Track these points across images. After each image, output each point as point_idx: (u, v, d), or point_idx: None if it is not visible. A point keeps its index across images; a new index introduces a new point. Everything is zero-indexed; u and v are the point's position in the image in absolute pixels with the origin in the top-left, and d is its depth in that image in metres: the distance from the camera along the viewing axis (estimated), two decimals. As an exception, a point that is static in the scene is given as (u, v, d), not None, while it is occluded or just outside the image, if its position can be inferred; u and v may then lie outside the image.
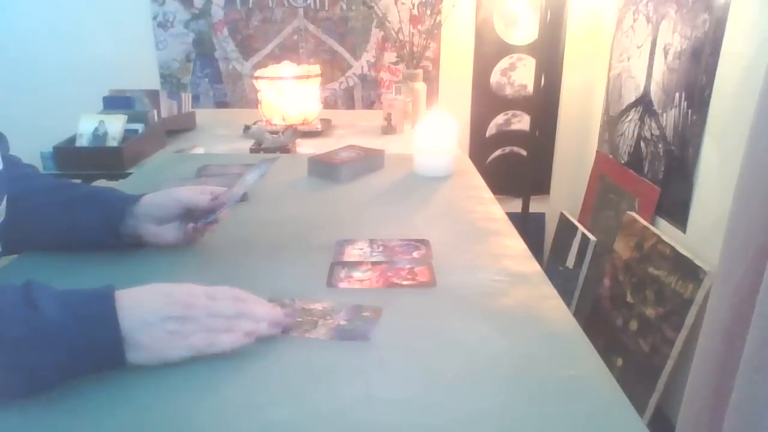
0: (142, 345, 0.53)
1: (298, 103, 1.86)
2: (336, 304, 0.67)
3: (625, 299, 1.76)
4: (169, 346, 0.54)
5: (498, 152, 2.41)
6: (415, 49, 2.15)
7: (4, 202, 0.70)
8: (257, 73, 1.89)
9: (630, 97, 1.97)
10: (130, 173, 1.48)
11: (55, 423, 0.49)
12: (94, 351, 0.51)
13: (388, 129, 1.90)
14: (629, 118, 1.97)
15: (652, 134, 1.82)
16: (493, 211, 1.00)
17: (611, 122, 2.12)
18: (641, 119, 1.88)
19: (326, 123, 1.97)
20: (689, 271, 1.52)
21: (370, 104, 2.33)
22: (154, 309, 0.54)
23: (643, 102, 1.87)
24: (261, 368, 0.56)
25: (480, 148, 2.39)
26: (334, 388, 0.53)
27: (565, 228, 2.32)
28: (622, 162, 2.02)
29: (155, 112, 1.81)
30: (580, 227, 2.19)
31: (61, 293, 0.53)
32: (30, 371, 0.49)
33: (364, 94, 2.32)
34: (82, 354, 0.51)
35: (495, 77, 2.30)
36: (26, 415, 0.49)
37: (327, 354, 0.58)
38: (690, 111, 1.60)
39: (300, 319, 0.64)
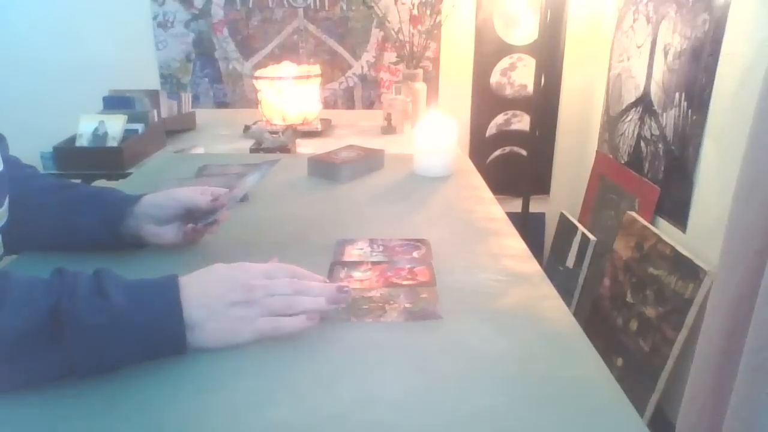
0: (208, 331, 0.56)
1: (298, 103, 1.86)
2: (390, 290, 0.70)
3: (625, 299, 1.76)
4: (235, 331, 0.57)
5: (498, 152, 2.41)
6: (415, 49, 2.15)
7: (6, 203, 0.70)
8: (257, 73, 1.89)
9: (630, 97, 1.97)
10: (130, 173, 1.48)
11: (55, 423, 0.49)
12: (159, 340, 0.54)
13: (388, 129, 1.91)
14: (629, 118, 1.97)
15: (652, 134, 1.82)
16: (493, 211, 1.00)
17: (611, 122, 2.12)
18: (641, 119, 1.89)
19: (326, 123, 1.97)
20: (689, 270, 1.52)
21: (370, 104, 2.33)
22: (218, 296, 0.56)
23: (643, 102, 1.87)
24: (261, 368, 0.56)
25: (480, 148, 2.39)
26: (333, 388, 0.53)
27: (565, 228, 2.33)
28: (622, 162, 2.02)
29: (155, 112, 1.82)
30: (580, 227, 2.19)
31: (128, 283, 0.55)
32: (99, 357, 0.51)
33: (364, 94, 2.32)
34: (147, 342, 0.53)
35: (495, 77, 2.30)
36: (25, 416, 0.49)
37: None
38: (690, 111, 1.60)
39: (366, 306, 0.67)
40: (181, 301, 0.55)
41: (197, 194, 0.80)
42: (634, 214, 1.83)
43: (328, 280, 0.64)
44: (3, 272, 0.53)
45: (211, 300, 0.56)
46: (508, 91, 2.33)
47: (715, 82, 1.49)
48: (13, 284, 0.53)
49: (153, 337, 0.53)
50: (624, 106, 2.01)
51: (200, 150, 1.67)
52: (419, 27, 2.21)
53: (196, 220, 0.80)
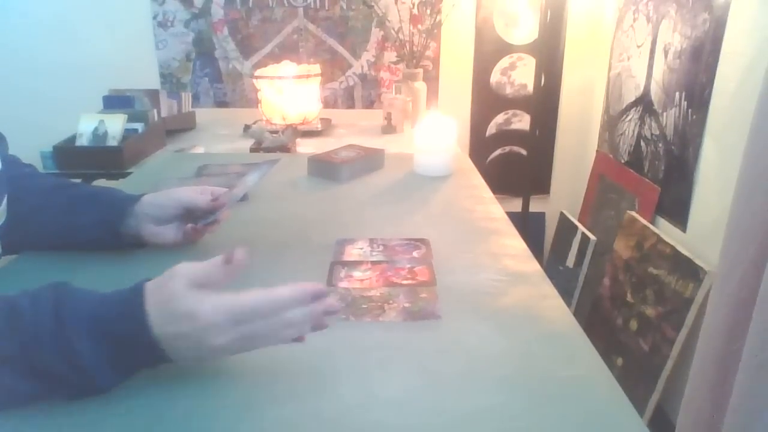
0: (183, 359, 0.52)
1: (298, 103, 1.86)
2: (390, 289, 0.70)
3: (625, 299, 1.76)
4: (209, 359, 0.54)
5: (498, 152, 2.41)
6: (415, 48, 2.15)
7: (5, 202, 0.70)
8: (257, 72, 1.89)
9: (630, 96, 1.97)
10: (130, 173, 1.48)
11: (55, 423, 0.49)
12: (140, 366, 0.52)
13: (388, 128, 1.90)
14: (629, 117, 1.97)
15: (652, 134, 1.82)
16: (493, 211, 1.00)
17: (611, 122, 2.12)
18: (641, 119, 1.88)
19: (326, 122, 1.97)
20: (689, 270, 1.52)
21: (370, 104, 2.33)
22: (187, 347, 0.50)
23: (643, 101, 1.87)
24: (261, 368, 0.56)
25: (480, 147, 2.39)
26: (333, 388, 0.53)
27: (565, 227, 2.33)
28: (622, 161, 2.02)
29: (155, 111, 1.81)
30: (580, 227, 2.19)
31: (90, 320, 0.49)
32: (78, 390, 0.50)
33: (364, 93, 2.32)
34: (128, 370, 0.52)
35: (495, 77, 2.30)
36: (25, 416, 0.49)
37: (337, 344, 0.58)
38: (690, 110, 1.60)
39: (365, 306, 0.67)
40: (151, 339, 0.49)
41: (197, 194, 0.80)
42: (634, 213, 1.83)
43: (310, 289, 0.53)
44: None
45: (181, 349, 0.50)
46: (508, 91, 2.33)
47: (716, 81, 1.49)
48: None
49: (133, 366, 0.51)
50: (624, 106, 2.01)
51: (200, 149, 1.67)
52: (419, 26, 2.21)
53: (196, 219, 0.80)
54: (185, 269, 0.51)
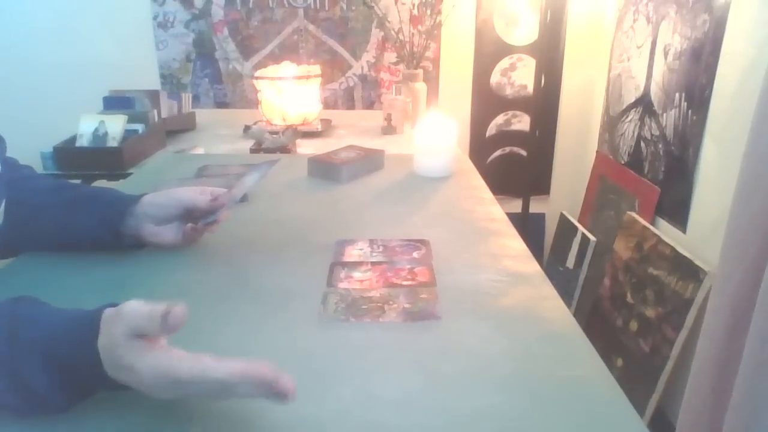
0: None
1: (299, 104, 1.86)
2: (390, 290, 0.70)
3: (625, 299, 1.76)
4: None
5: (498, 152, 2.41)
6: (415, 49, 2.15)
7: (3, 204, 0.70)
8: (257, 73, 1.90)
9: (630, 97, 1.97)
10: (130, 173, 1.48)
11: (55, 423, 0.49)
12: (93, 391, 0.50)
13: (388, 129, 1.91)
14: (629, 118, 1.97)
15: (652, 134, 1.82)
16: (493, 212, 1.00)
17: (611, 122, 2.12)
18: (641, 119, 1.89)
19: (326, 123, 1.97)
20: (689, 271, 1.52)
21: (370, 104, 2.33)
22: (122, 380, 0.48)
23: (643, 102, 1.87)
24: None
25: (480, 148, 2.39)
26: (333, 388, 0.53)
27: (565, 228, 2.33)
28: (622, 162, 2.02)
29: (155, 112, 1.82)
30: (580, 227, 2.19)
31: (44, 344, 0.48)
32: (30, 410, 0.49)
33: (364, 94, 2.32)
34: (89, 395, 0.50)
35: (495, 77, 2.30)
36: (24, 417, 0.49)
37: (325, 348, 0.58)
38: (690, 111, 1.60)
39: (365, 306, 0.67)
40: (108, 375, 0.47)
41: (197, 194, 0.80)
42: (634, 214, 1.83)
43: (258, 377, 0.45)
44: None
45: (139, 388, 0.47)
46: (508, 92, 2.33)
47: (715, 82, 1.49)
48: None
49: (87, 392, 0.49)
50: (624, 107, 2.01)
51: (200, 150, 1.67)
52: (419, 27, 2.21)
53: (196, 219, 0.81)
54: (128, 315, 0.47)
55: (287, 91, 1.84)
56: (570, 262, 2.21)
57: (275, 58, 2.22)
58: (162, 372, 0.45)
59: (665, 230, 1.72)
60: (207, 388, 0.46)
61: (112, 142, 1.63)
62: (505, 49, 2.27)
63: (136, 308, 0.47)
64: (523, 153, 2.40)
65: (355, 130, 1.98)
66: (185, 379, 0.45)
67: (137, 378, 0.46)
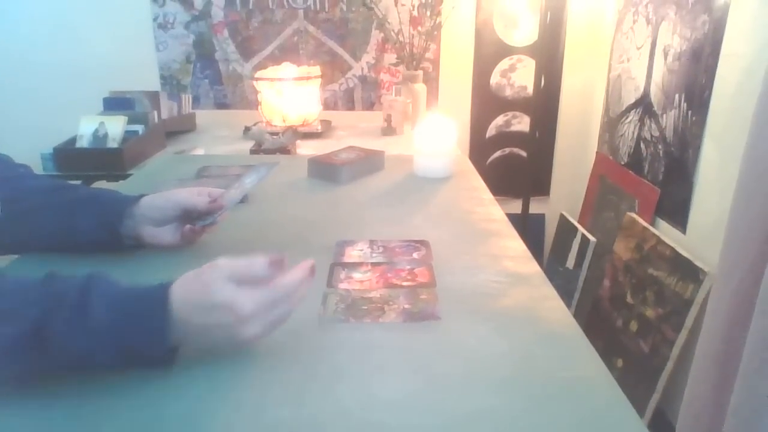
0: (194, 346, 0.55)
1: (298, 105, 1.86)
2: (390, 291, 0.70)
3: (625, 300, 1.76)
4: (224, 343, 0.56)
5: (498, 153, 2.41)
6: (415, 50, 2.15)
7: (-1, 204, 0.70)
8: (257, 74, 1.90)
9: (630, 98, 1.97)
10: (130, 174, 1.48)
11: (55, 423, 0.49)
12: (143, 361, 0.53)
13: (388, 130, 1.91)
14: (629, 119, 1.97)
15: (651, 135, 1.82)
16: (493, 212, 1.00)
17: (611, 123, 2.12)
18: (641, 120, 1.89)
19: (326, 124, 1.97)
20: (689, 271, 1.52)
21: (370, 105, 2.33)
22: (204, 324, 0.53)
23: (643, 103, 1.87)
24: (261, 368, 0.56)
25: (480, 149, 2.39)
26: (333, 388, 0.53)
27: (565, 229, 2.33)
28: (622, 163, 2.02)
29: (155, 113, 1.82)
30: (580, 228, 2.19)
31: (116, 296, 0.53)
32: (82, 370, 0.52)
33: (364, 95, 2.32)
34: (130, 361, 0.52)
35: (495, 78, 2.30)
36: (24, 417, 0.49)
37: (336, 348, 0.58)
38: (690, 112, 1.60)
39: (365, 307, 0.67)
40: (170, 322, 0.52)
41: (195, 195, 0.80)
42: (634, 215, 1.83)
43: (308, 265, 0.58)
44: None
45: (198, 327, 0.53)
46: (508, 93, 2.33)
47: (715, 83, 1.49)
48: (5, 288, 0.52)
49: (136, 358, 0.52)
50: (624, 108, 2.01)
51: (200, 151, 1.67)
52: (419, 28, 2.21)
53: (194, 221, 0.81)
54: (226, 263, 0.54)
55: (287, 93, 1.84)
56: (570, 263, 2.21)
57: (275, 59, 2.22)
58: (260, 298, 0.53)
59: (665, 231, 1.72)
60: (287, 301, 0.55)
61: (112, 143, 1.63)
62: (505, 50, 2.27)
63: (231, 260, 0.54)
64: (523, 154, 2.40)
65: (355, 131, 1.98)
66: (281, 293, 0.54)
67: (232, 315, 0.52)
